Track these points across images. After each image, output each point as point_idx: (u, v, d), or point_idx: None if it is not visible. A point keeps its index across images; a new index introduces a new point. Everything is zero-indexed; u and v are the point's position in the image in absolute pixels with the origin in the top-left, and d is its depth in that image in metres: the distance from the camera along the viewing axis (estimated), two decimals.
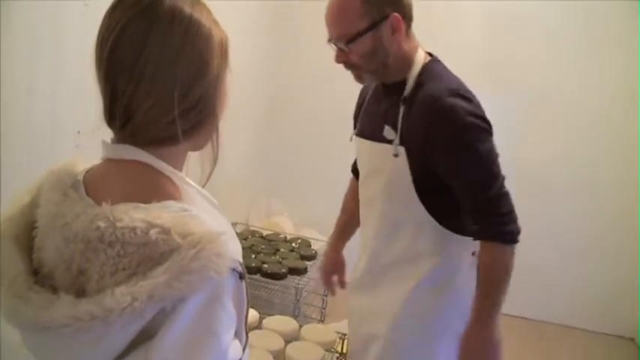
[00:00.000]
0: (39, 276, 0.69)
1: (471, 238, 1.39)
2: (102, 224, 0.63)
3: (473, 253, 1.46)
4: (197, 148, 0.76)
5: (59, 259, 0.66)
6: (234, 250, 0.65)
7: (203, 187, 0.76)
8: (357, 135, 1.55)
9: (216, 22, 0.73)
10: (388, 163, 1.39)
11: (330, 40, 1.38)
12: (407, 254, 1.46)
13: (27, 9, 1.53)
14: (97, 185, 0.70)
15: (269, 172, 3.77)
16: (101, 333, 0.59)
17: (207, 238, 0.62)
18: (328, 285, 1.83)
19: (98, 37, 0.69)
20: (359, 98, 1.62)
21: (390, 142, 1.38)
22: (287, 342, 1.83)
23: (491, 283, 1.35)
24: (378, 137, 1.41)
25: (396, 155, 1.36)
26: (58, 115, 1.69)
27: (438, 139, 1.31)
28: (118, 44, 0.67)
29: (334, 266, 1.82)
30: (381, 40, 1.33)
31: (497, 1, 3.41)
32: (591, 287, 3.48)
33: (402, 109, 1.36)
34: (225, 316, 0.64)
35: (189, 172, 0.77)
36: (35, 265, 0.70)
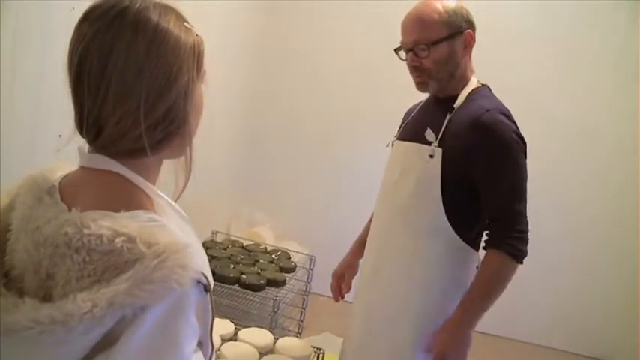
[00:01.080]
0: (9, 278, 0.70)
1: (477, 252, 1.49)
2: (70, 230, 0.64)
3: (477, 267, 1.53)
4: (171, 157, 0.76)
5: (28, 262, 0.67)
6: (199, 262, 0.65)
7: (177, 200, 0.76)
8: (397, 139, 1.64)
9: (187, 29, 0.71)
10: (421, 163, 1.48)
11: (402, 47, 1.51)
12: (416, 253, 1.52)
13: (15, 11, 1.53)
14: (72, 192, 0.71)
15: (252, 182, 3.77)
16: (63, 337, 0.60)
17: (172, 248, 0.62)
18: (335, 288, 1.86)
19: (69, 48, 0.69)
20: (403, 119, 1.74)
21: (429, 143, 1.48)
22: (262, 355, 1.81)
23: (488, 289, 1.44)
24: (418, 139, 1.51)
25: (431, 156, 1.45)
26: (42, 117, 1.68)
27: (482, 148, 1.42)
28: (86, 56, 0.67)
29: (346, 268, 1.85)
30: (455, 50, 1.48)
31: (492, 16, 3.42)
32: (567, 307, 3.52)
33: (447, 117, 1.48)
34: (188, 327, 0.64)
35: (163, 183, 0.77)
36: (7, 267, 0.71)
